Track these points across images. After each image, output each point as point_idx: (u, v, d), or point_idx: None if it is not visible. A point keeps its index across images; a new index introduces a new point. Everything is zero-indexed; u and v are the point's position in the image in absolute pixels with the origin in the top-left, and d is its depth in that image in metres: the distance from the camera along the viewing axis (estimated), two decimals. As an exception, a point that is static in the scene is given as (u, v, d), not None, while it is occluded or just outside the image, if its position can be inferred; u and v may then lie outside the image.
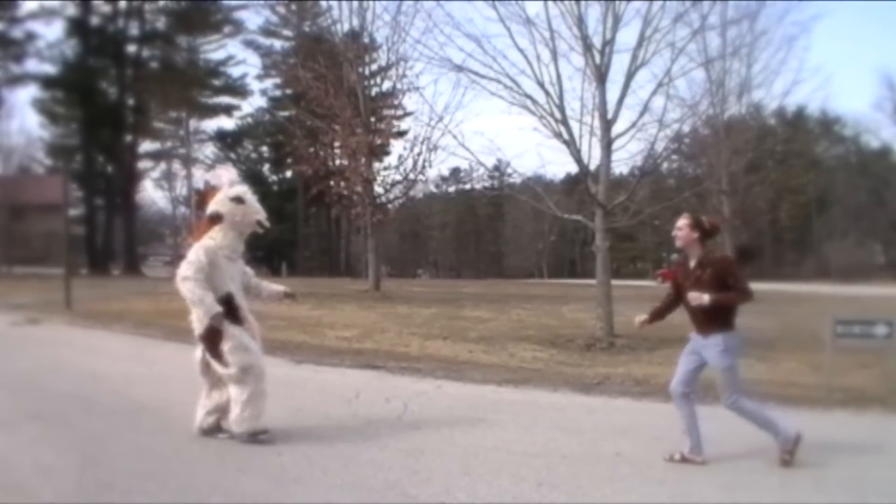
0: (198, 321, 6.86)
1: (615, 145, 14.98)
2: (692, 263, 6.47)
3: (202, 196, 7.80)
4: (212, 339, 6.79)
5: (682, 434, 6.46)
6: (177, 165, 68.85)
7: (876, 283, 44.25)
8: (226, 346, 6.76)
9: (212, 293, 6.74)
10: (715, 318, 6.32)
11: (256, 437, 6.77)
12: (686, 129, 19.15)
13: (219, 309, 6.69)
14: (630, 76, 14.83)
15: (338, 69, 27.75)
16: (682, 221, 6.52)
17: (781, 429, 6.38)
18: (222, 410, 7.01)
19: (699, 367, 6.49)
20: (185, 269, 6.77)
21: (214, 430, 6.98)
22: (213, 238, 6.95)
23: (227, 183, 7.26)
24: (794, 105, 56.06)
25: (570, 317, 19.45)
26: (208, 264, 6.79)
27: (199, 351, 7.02)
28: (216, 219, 7.03)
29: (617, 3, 14.62)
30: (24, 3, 51.39)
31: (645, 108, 14.93)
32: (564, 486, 5.75)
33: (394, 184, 29.05)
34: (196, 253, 6.83)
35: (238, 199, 7.07)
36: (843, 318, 9.86)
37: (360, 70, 29.17)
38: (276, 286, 7.93)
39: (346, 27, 30.04)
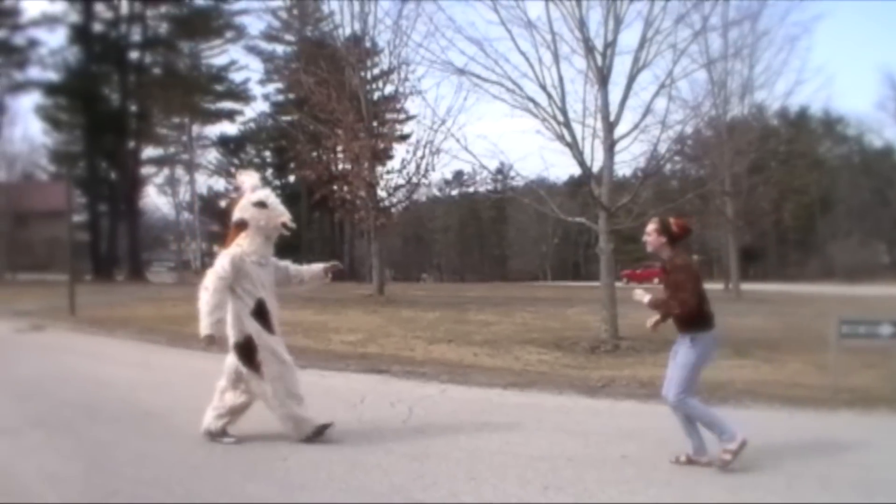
0: (232, 329, 6.90)
1: (618, 147, 14.96)
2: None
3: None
4: (247, 349, 6.82)
5: (686, 437, 6.44)
6: (180, 171, 68.76)
7: (880, 283, 44.18)
8: (261, 357, 6.79)
9: (226, 306, 6.78)
10: (688, 319, 6.34)
11: (321, 433, 6.92)
12: (689, 130, 19.11)
13: (208, 332, 6.69)
14: (632, 78, 14.81)
15: (340, 73, 27.76)
16: (650, 226, 6.61)
17: (727, 428, 6.33)
18: (233, 414, 7.04)
19: None
20: (207, 279, 6.81)
21: (221, 434, 6.99)
22: (240, 245, 6.96)
23: (250, 188, 7.23)
24: (797, 105, 56.09)
25: (575, 319, 19.42)
26: (233, 273, 6.80)
27: (231, 358, 7.02)
28: (242, 225, 7.04)
29: (618, 4, 14.61)
30: (27, 9, 51.32)
31: (647, 110, 14.93)
32: (570, 488, 5.74)
33: (397, 187, 29.04)
34: (221, 262, 6.85)
35: (261, 204, 7.07)
36: (848, 318, 9.84)
37: (363, 74, 29.16)
38: (315, 266, 7.93)
39: (348, 31, 30.04)
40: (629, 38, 15.42)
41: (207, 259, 74.74)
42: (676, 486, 5.83)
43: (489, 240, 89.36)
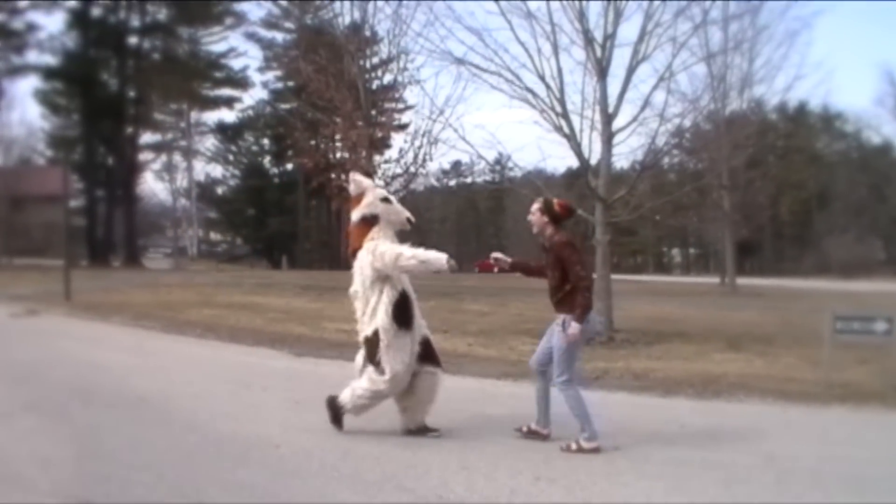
0: (366, 322, 6.88)
1: (616, 139, 14.97)
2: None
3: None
4: (373, 344, 6.80)
5: (535, 406, 6.88)
6: (177, 157, 68.90)
7: (876, 279, 44.29)
8: (386, 355, 6.75)
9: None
10: (563, 299, 6.58)
11: (340, 420, 6.93)
12: (687, 123, 19.09)
13: (446, 255, 6.83)
14: (631, 70, 14.83)
15: (339, 62, 27.64)
16: (534, 206, 6.85)
17: (592, 428, 6.56)
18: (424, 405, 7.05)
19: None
20: (390, 256, 6.76)
21: (426, 429, 6.99)
22: (374, 239, 6.98)
23: (371, 186, 7.32)
24: (796, 100, 56.03)
25: (570, 311, 19.43)
26: None
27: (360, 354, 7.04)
28: (371, 220, 7.06)
29: (618, -3, 14.59)
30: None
31: (646, 103, 14.95)
32: (562, 480, 5.75)
33: (394, 177, 28.93)
34: (380, 245, 6.85)
35: (387, 199, 7.21)
36: (842, 314, 9.87)
37: (361, 63, 29.03)
38: None
39: (348, 20, 29.85)
40: (629, 30, 15.48)
41: (204, 246, 75.02)
42: (668, 478, 5.84)
43: (486, 230, 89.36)
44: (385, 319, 6.76)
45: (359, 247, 7.00)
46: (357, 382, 6.90)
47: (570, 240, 6.74)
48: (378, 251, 6.82)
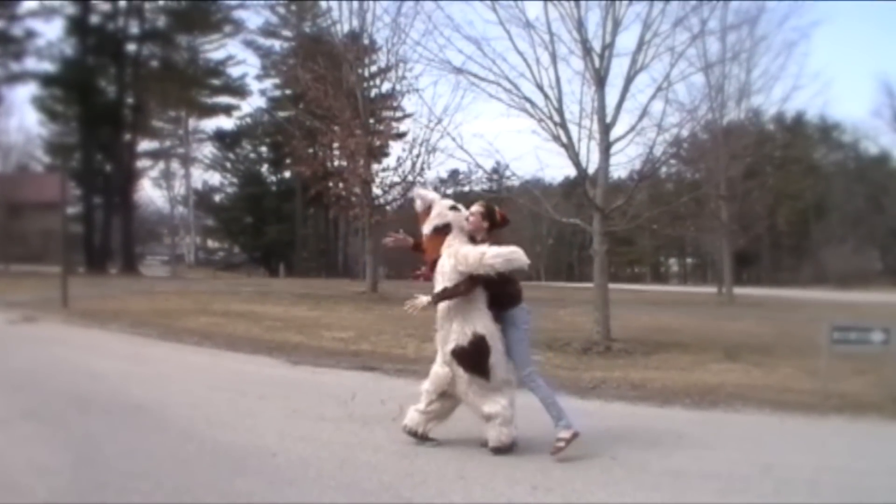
0: (453, 332, 6.81)
1: (614, 149, 14.96)
2: None
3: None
4: (480, 352, 6.70)
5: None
6: (175, 165, 68.80)
7: (873, 290, 44.29)
8: (493, 360, 6.71)
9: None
10: (500, 297, 6.77)
11: (510, 449, 6.75)
12: (685, 133, 19.09)
13: (521, 250, 6.82)
14: (629, 80, 14.82)
15: (337, 70, 27.70)
16: (475, 208, 7.05)
17: (565, 416, 6.62)
18: (439, 418, 7.01)
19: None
20: (474, 256, 6.74)
21: (426, 437, 6.94)
22: (452, 245, 7.01)
23: (437, 198, 7.38)
24: (793, 110, 56.25)
25: (568, 320, 19.42)
26: None
27: (439, 367, 6.91)
28: (444, 229, 7.10)
29: (617, 6, 14.62)
30: (25, 1, 51.05)
31: (644, 113, 14.91)
32: (559, 489, 5.75)
33: (392, 185, 28.99)
34: (461, 249, 6.87)
35: (455, 207, 7.24)
36: (839, 324, 9.86)
37: (360, 71, 29.11)
38: None
39: (346, 28, 29.96)
40: (627, 40, 15.41)
41: (201, 253, 75.01)
42: (665, 489, 5.84)
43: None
44: (489, 324, 6.77)
45: (437, 255, 7.01)
46: (493, 422, 6.73)
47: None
48: (461, 254, 6.82)
